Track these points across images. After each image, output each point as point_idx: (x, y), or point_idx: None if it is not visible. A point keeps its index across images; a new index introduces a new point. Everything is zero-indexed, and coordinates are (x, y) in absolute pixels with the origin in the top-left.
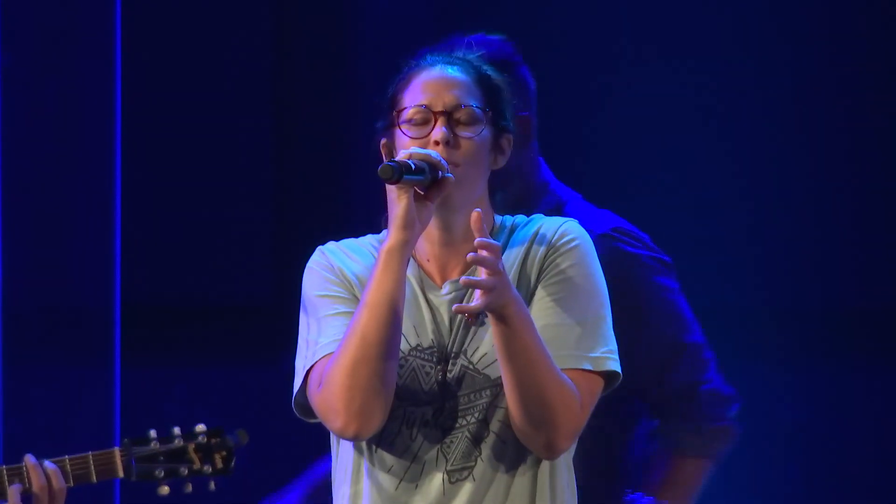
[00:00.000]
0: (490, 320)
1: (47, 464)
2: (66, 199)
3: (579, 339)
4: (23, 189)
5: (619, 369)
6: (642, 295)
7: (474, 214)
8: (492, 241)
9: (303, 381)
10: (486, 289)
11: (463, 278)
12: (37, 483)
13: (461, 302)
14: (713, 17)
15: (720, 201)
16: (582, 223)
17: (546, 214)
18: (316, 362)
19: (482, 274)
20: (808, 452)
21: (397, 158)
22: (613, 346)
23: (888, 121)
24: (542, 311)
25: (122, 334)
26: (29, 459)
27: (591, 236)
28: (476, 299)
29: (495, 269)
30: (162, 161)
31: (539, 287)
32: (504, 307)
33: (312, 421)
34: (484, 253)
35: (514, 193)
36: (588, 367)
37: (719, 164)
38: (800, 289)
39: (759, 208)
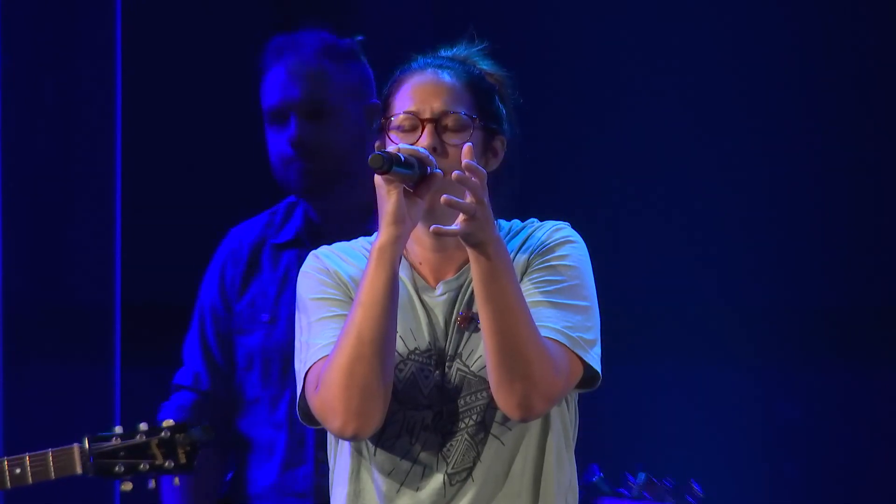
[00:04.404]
0: (470, 258)
1: None
2: (66, 199)
3: (559, 317)
4: (23, 189)
5: (598, 367)
6: None
7: (466, 148)
8: (479, 167)
9: (302, 385)
10: (468, 213)
11: (444, 196)
12: None
13: (456, 303)
14: (715, 16)
15: (719, 201)
16: None
17: None
18: (313, 365)
19: (466, 198)
20: (808, 452)
21: (387, 150)
22: (595, 337)
23: (885, 119)
24: (525, 291)
25: (122, 333)
26: None
27: None
28: (457, 224)
29: (479, 197)
30: (162, 160)
31: (525, 275)
32: (484, 244)
33: (316, 427)
34: (472, 177)
35: (369, 186)
36: (565, 342)
37: (716, 165)
38: (798, 288)
39: (757, 208)
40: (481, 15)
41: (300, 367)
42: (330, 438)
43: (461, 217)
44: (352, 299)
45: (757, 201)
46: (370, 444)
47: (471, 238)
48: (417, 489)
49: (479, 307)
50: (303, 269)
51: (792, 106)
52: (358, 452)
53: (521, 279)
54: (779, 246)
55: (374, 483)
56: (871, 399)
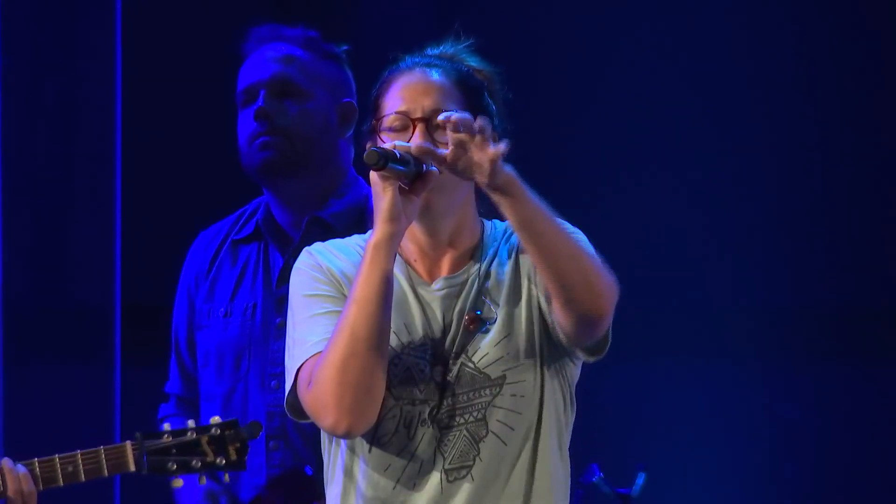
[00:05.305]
0: (503, 209)
1: (19, 468)
2: (66, 199)
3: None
4: (23, 189)
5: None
6: None
7: (441, 116)
8: (463, 113)
9: (293, 381)
10: (455, 143)
11: (416, 143)
12: (12, 487)
13: (454, 298)
14: (715, 13)
15: (720, 201)
16: None
17: (353, 205)
18: (305, 361)
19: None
20: (808, 452)
21: (382, 147)
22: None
23: (886, 120)
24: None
25: (122, 334)
26: (6, 463)
27: None
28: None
29: (469, 126)
30: (162, 160)
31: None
32: (507, 185)
33: (305, 421)
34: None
35: (326, 178)
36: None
37: (718, 164)
38: (799, 288)
39: (759, 208)
40: (482, 14)
41: (291, 364)
42: (324, 436)
43: (449, 145)
44: (345, 296)
45: (758, 201)
46: (365, 441)
47: (495, 181)
48: (414, 486)
49: (529, 248)
50: (296, 265)
51: (794, 106)
52: (352, 450)
53: (535, 277)
54: (780, 246)
55: (371, 480)
56: (871, 399)
